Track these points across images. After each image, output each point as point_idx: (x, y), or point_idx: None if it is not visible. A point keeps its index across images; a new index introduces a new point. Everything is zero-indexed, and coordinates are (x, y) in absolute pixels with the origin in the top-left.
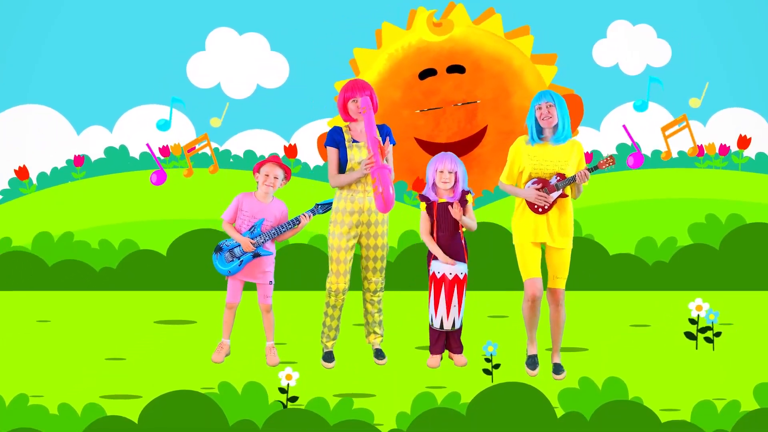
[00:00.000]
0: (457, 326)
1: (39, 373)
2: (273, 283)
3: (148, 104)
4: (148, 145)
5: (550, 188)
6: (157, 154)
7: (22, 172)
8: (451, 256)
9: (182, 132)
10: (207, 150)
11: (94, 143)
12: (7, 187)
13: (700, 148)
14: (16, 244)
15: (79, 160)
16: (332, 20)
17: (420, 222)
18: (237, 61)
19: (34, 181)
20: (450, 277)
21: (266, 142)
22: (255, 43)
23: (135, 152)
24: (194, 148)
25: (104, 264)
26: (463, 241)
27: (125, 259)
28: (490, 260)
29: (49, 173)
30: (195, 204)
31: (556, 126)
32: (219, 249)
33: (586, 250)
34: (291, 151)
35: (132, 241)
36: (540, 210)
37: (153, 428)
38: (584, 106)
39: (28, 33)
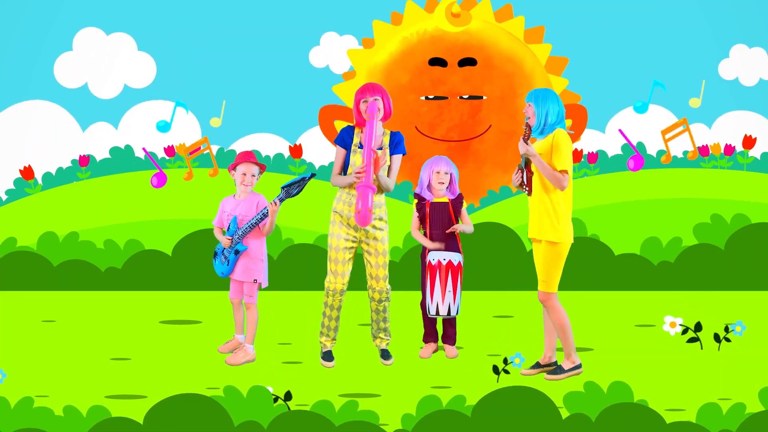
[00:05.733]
0: (452, 313)
1: (44, 374)
2: (258, 282)
3: (153, 101)
4: (144, 149)
5: (518, 167)
6: (157, 157)
7: (27, 172)
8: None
9: (187, 132)
10: (208, 152)
11: (99, 143)
12: (13, 187)
13: (705, 148)
14: (21, 244)
15: (84, 160)
16: (199, 20)
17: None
18: (104, 61)
19: (40, 181)
20: (444, 263)
21: (272, 144)
22: (122, 42)
23: (140, 152)
24: (197, 149)
25: (109, 264)
26: (457, 239)
27: (130, 259)
28: (496, 260)
29: (54, 173)
30: (200, 204)
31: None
32: (215, 254)
33: (591, 250)
34: (296, 151)
35: (137, 241)
36: (523, 189)
37: (158, 429)
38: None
39: (34, 30)
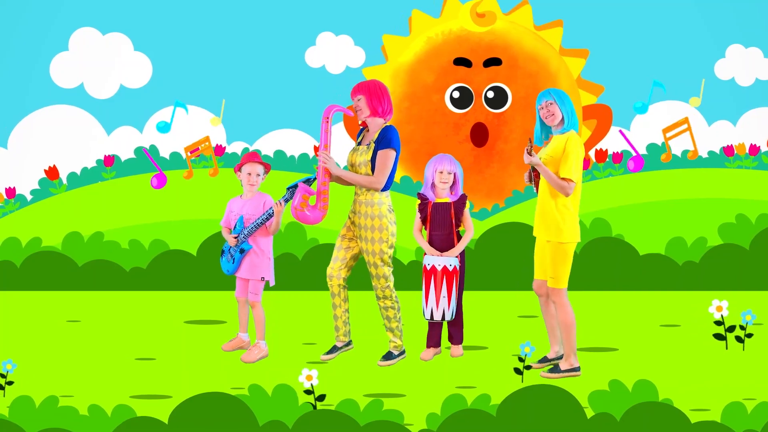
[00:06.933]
0: (447, 318)
1: (69, 374)
2: (266, 280)
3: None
4: (145, 150)
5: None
6: (189, 159)
7: (52, 172)
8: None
9: (211, 132)
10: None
11: (124, 143)
12: (38, 187)
13: (730, 148)
14: (46, 244)
15: (109, 160)
16: (196, 20)
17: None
18: (100, 61)
19: (65, 181)
20: (439, 269)
21: (296, 142)
22: (118, 42)
23: (165, 152)
24: (197, 149)
25: (134, 264)
26: (456, 240)
27: (155, 259)
28: (521, 260)
29: (79, 173)
30: (225, 204)
31: (562, 120)
32: (222, 252)
33: (616, 250)
34: None
35: (162, 241)
36: (529, 181)
37: (183, 429)
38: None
39: (55, 34)
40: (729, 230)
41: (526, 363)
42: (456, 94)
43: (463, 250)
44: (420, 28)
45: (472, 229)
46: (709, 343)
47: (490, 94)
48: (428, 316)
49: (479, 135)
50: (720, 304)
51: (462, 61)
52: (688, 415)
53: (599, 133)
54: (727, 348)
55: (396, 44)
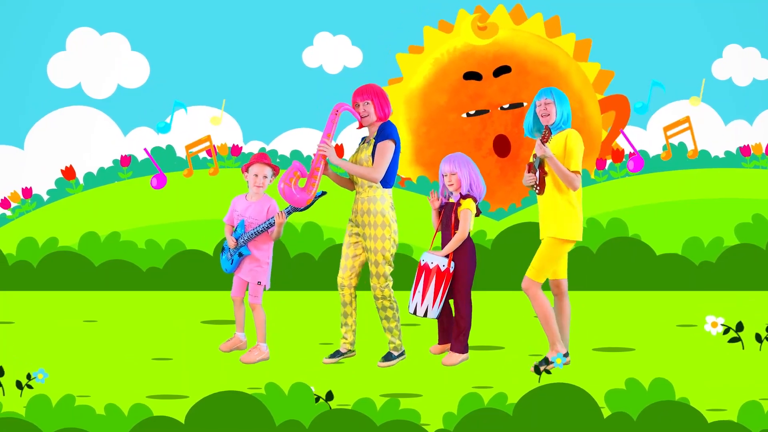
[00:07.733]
0: (430, 316)
1: (86, 373)
2: (262, 284)
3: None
4: (146, 149)
5: (530, 167)
6: (197, 159)
7: (68, 172)
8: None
9: (226, 131)
10: (210, 151)
11: (140, 143)
12: (54, 187)
13: (747, 148)
14: (63, 244)
15: (126, 160)
16: (193, 20)
17: None
18: (97, 61)
19: (81, 181)
20: (432, 267)
21: (312, 142)
22: (115, 42)
23: (181, 152)
24: (204, 145)
25: (151, 264)
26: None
27: (172, 259)
28: None
29: (95, 173)
30: None
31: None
32: (222, 249)
33: (632, 250)
34: (338, 151)
35: (178, 240)
36: (535, 189)
37: (199, 428)
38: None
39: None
40: (745, 230)
41: (548, 368)
42: (472, 111)
43: (474, 262)
44: (432, 43)
45: (463, 230)
46: (725, 344)
47: (506, 105)
48: (412, 311)
49: (502, 146)
50: (714, 320)
51: (472, 75)
52: (705, 414)
53: (619, 123)
54: (743, 348)
55: (409, 62)
